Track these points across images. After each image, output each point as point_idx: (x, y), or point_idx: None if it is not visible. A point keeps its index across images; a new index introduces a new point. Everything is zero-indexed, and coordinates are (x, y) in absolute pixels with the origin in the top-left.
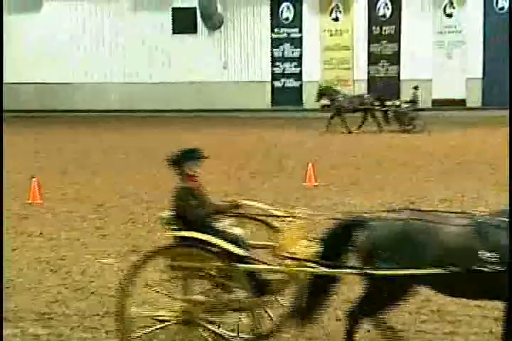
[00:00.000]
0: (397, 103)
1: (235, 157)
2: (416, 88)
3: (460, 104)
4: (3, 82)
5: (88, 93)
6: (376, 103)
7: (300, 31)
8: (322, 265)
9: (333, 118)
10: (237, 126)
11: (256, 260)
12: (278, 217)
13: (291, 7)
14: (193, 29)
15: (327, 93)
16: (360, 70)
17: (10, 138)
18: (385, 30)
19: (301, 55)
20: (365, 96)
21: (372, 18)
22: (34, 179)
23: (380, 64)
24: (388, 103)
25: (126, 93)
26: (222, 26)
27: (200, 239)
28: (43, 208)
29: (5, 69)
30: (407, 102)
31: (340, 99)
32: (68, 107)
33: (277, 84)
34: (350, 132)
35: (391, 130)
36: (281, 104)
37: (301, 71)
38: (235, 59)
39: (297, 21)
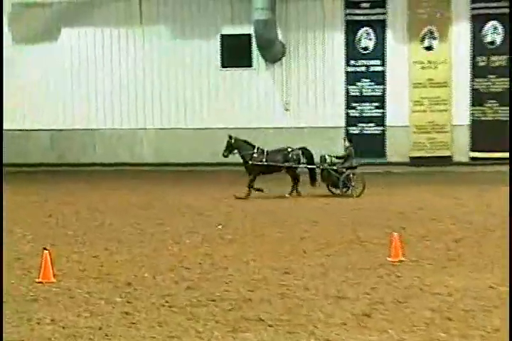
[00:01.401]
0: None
1: (294, 223)
2: (349, 139)
3: None
4: (10, 128)
5: (114, 141)
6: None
7: (383, 64)
8: None
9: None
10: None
11: None
12: None
13: (372, 33)
14: (247, 62)
15: (239, 146)
16: (461, 113)
17: (19, 197)
18: (493, 62)
19: (383, 94)
20: (289, 150)
21: (477, 46)
22: (46, 251)
23: (488, 104)
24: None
25: (161, 141)
26: (284, 58)
27: None
28: (57, 288)
29: (15, 112)
30: (338, 158)
31: (255, 154)
32: (90, 158)
33: (354, 130)
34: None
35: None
36: (358, 156)
37: (383, 114)
38: (300, 99)
39: (379, 51)
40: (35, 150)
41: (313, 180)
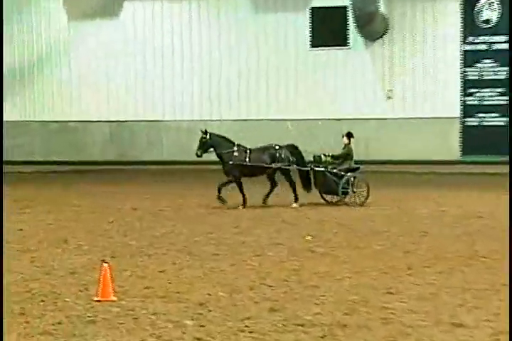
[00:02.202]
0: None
1: (398, 233)
2: (349, 134)
3: None
4: (64, 120)
5: (183, 135)
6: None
7: (510, 40)
8: None
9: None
10: (407, 186)
11: None
12: None
13: (495, 2)
14: (341, 40)
15: (215, 143)
16: None
17: (72, 201)
18: None
19: (509, 78)
20: (277, 148)
21: None
22: (105, 264)
23: None
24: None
25: (240, 135)
26: (387, 35)
27: None
28: (118, 308)
29: (69, 101)
30: (334, 158)
31: (235, 153)
32: (156, 155)
33: (471, 121)
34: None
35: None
36: (477, 153)
37: (509, 102)
38: (405, 84)
39: (503, 24)
40: (93, 145)
41: (307, 184)
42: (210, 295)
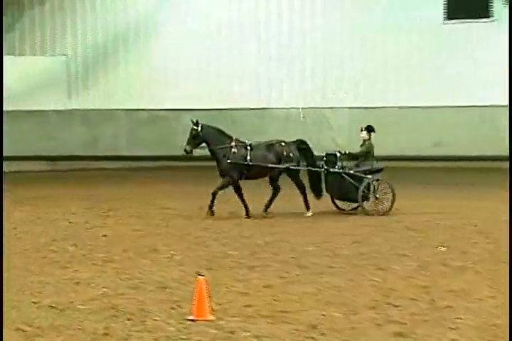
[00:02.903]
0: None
1: None
2: (369, 128)
3: None
4: (153, 108)
5: (289, 124)
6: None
7: None
8: None
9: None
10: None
11: None
12: None
13: None
14: (482, 10)
15: (208, 137)
16: None
17: (166, 203)
18: None
19: None
20: (283, 145)
21: None
22: (201, 277)
23: None
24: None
25: (356, 125)
26: None
27: None
28: (216, 329)
29: (159, 87)
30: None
31: (233, 149)
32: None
33: None
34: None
35: None
36: None
37: None
38: None
39: None
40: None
41: (318, 189)
42: (323, 315)
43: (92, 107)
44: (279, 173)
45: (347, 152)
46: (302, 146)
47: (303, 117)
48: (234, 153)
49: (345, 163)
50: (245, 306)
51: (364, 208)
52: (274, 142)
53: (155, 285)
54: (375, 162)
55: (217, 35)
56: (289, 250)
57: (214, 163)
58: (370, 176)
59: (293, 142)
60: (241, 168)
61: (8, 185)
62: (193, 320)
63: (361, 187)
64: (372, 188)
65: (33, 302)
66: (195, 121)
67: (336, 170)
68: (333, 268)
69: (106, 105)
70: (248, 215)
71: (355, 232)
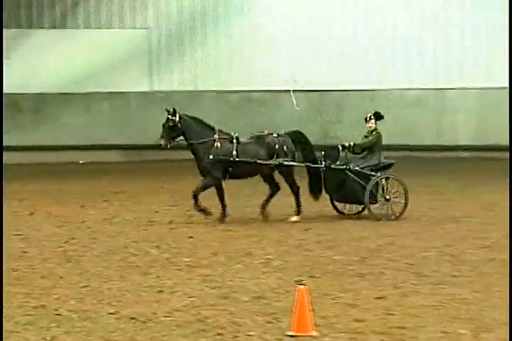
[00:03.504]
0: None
1: None
2: (378, 115)
3: None
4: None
5: (403, 109)
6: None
7: None
8: None
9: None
10: None
11: None
12: None
13: None
14: None
15: (186, 129)
16: None
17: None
18: None
19: None
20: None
21: None
22: (302, 286)
23: None
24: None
25: (485, 114)
26: None
27: None
28: None
29: (253, 66)
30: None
31: (217, 144)
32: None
33: None
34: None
35: None
36: None
37: None
38: None
39: None
40: (283, 121)
41: (317, 188)
42: (446, 333)
43: (176, 88)
44: (271, 170)
45: (352, 144)
46: (299, 139)
47: (296, 105)
48: (217, 147)
49: (347, 158)
50: (354, 320)
51: (371, 212)
52: (265, 134)
53: (249, 295)
54: (382, 156)
55: (315, 12)
56: (404, 255)
57: None
58: (379, 174)
59: (288, 133)
60: (225, 166)
61: (82, 178)
62: (292, 336)
63: (369, 187)
64: (380, 188)
65: (111, 312)
66: (171, 109)
67: (339, 166)
68: (457, 278)
69: (191, 86)
70: (223, 220)
71: (485, 234)
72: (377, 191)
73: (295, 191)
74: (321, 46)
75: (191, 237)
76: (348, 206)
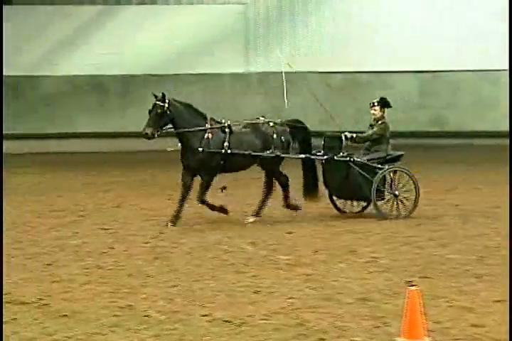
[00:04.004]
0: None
1: None
2: (384, 102)
3: None
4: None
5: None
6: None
7: None
8: None
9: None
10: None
11: None
12: None
13: None
14: None
15: (176, 117)
16: None
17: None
18: None
19: None
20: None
21: None
22: (413, 288)
23: None
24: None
25: None
26: None
27: None
28: None
29: (358, 46)
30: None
31: (208, 134)
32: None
33: None
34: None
35: None
36: None
37: None
38: None
39: None
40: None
41: (313, 187)
42: None
43: (274, 69)
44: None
45: (354, 136)
46: (297, 128)
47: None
48: (208, 138)
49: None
50: (471, 326)
51: (379, 209)
52: (259, 122)
53: (354, 297)
54: (390, 147)
55: None
56: None
57: (439, 140)
58: (387, 166)
59: (286, 122)
60: (217, 159)
61: (169, 168)
62: None
63: (376, 180)
64: (388, 182)
65: (203, 314)
66: (160, 95)
67: (343, 157)
68: None
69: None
70: (175, 220)
71: None
72: (384, 186)
73: (286, 185)
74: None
75: (290, 233)
76: (348, 203)
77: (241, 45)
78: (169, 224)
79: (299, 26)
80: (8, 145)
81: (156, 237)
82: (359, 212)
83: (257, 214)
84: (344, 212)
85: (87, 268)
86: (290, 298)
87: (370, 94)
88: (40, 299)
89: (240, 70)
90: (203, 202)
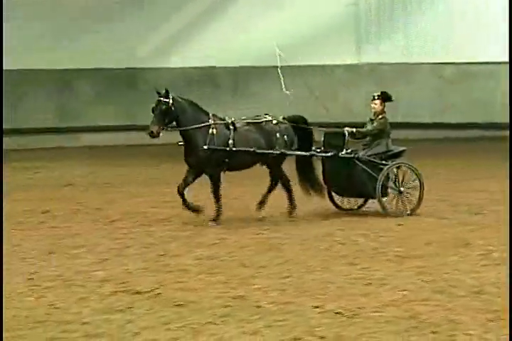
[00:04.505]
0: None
1: None
2: (385, 96)
3: None
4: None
5: None
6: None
7: None
8: None
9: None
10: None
11: None
12: None
13: None
14: None
15: (181, 114)
16: None
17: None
18: None
19: None
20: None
21: None
22: None
23: None
24: None
25: None
26: None
27: None
28: None
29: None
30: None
31: (212, 130)
32: None
33: None
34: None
35: None
36: None
37: None
38: None
39: None
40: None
41: (315, 184)
42: None
43: (385, 60)
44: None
45: (354, 131)
46: (300, 125)
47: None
48: (213, 133)
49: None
50: None
51: (384, 207)
52: (262, 120)
53: (467, 290)
54: (390, 142)
55: None
56: None
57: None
58: (390, 162)
59: (288, 119)
60: (223, 157)
61: None
62: None
63: (381, 177)
64: (392, 178)
65: (315, 306)
66: (163, 90)
67: (347, 154)
68: None
69: (403, 58)
70: (216, 221)
71: None
72: (387, 182)
73: (287, 185)
74: None
75: (401, 225)
76: (346, 200)
77: (352, 34)
78: (210, 223)
79: (412, 14)
80: (124, 136)
81: (268, 229)
82: (357, 208)
83: (293, 207)
84: (343, 209)
85: (200, 259)
86: (402, 291)
87: (481, 87)
88: (155, 289)
89: (351, 61)
90: (217, 199)
